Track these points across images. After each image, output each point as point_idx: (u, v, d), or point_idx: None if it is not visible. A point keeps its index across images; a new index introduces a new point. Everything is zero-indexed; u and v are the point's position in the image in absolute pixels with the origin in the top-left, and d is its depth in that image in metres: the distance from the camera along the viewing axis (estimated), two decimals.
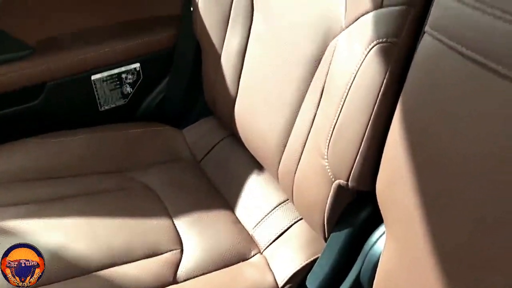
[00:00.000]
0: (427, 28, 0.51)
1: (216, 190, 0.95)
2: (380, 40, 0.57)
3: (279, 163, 0.80)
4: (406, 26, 0.55)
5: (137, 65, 1.10)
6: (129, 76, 1.10)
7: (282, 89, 0.77)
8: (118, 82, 1.09)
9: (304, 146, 0.73)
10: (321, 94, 0.69)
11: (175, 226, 0.84)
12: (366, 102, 0.60)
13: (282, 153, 0.78)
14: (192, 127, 1.08)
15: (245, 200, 0.91)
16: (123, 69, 1.09)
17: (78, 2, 1.00)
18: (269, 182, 0.91)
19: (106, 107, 1.11)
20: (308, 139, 0.72)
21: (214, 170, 0.99)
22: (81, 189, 0.88)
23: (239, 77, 0.89)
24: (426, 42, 0.51)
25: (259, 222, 0.87)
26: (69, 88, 1.05)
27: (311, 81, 0.72)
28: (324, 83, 0.68)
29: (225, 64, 0.91)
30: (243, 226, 0.88)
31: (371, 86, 0.59)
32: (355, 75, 0.61)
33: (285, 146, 0.78)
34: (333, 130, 0.65)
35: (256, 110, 0.85)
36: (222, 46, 0.91)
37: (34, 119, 1.04)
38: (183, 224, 0.85)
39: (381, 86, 0.58)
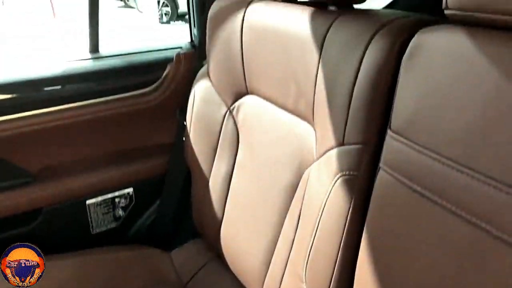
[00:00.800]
0: (381, 164, 0.58)
1: None
2: (343, 173, 0.64)
3: (262, 287, 0.82)
4: (363, 161, 0.62)
5: (130, 189, 1.16)
6: (122, 200, 1.15)
7: (264, 214, 0.83)
8: (111, 206, 1.14)
9: (285, 269, 0.76)
10: (298, 219, 0.75)
11: None
12: (336, 228, 0.65)
13: (265, 277, 0.81)
14: (180, 249, 1.10)
15: None
16: (116, 193, 1.14)
17: (78, 134, 1.07)
18: None
19: (98, 230, 1.14)
20: (288, 262, 0.76)
21: None
22: None
23: (225, 202, 0.94)
24: (381, 176, 0.58)
25: None
26: (65, 212, 1.09)
27: (289, 207, 0.77)
28: (300, 208, 0.74)
29: (213, 189, 0.97)
30: None
31: (339, 213, 0.64)
32: (325, 203, 0.66)
33: (267, 269, 0.81)
34: (309, 254, 0.69)
35: (241, 234, 0.89)
36: (210, 172, 0.98)
37: (28, 242, 1.07)
38: None
39: (348, 214, 0.63)
